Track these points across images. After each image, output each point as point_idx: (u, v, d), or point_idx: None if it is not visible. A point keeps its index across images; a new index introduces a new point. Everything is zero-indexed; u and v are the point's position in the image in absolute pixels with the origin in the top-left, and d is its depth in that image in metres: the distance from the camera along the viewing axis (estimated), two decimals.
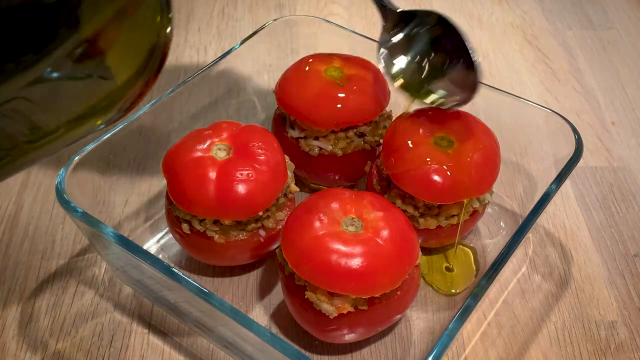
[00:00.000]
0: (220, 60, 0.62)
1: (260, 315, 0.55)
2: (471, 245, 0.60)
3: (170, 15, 0.37)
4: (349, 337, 0.49)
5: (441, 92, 0.54)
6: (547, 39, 0.87)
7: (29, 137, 0.32)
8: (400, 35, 0.56)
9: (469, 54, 0.52)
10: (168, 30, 0.36)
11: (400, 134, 0.55)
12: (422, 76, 0.55)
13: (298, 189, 0.56)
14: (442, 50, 0.54)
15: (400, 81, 0.55)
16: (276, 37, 0.68)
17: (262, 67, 0.71)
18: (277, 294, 0.56)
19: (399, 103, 0.68)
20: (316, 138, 0.59)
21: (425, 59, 0.55)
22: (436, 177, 0.51)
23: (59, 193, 0.49)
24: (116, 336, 0.53)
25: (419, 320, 0.54)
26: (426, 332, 0.53)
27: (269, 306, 0.55)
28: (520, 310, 0.55)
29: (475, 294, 0.44)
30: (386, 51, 0.57)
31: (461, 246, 0.60)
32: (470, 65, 0.52)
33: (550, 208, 0.64)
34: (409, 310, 0.54)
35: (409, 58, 0.56)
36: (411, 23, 0.56)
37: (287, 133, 0.61)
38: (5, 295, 0.55)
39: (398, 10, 0.56)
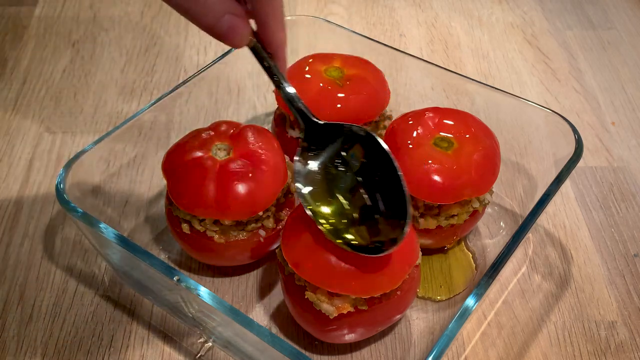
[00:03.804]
0: (220, 60, 0.62)
1: (260, 315, 0.55)
2: (471, 245, 0.60)
3: None
4: (349, 337, 0.49)
5: (365, 236, 0.45)
6: (547, 39, 0.87)
7: None
8: (321, 157, 0.47)
9: (399, 182, 0.44)
10: None
11: (400, 134, 0.55)
12: (346, 216, 0.45)
13: None
14: (369, 179, 0.46)
15: (324, 226, 0.45)
16: None
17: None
18: (277, 294, 0.56)
19: (399, 103, 0.68)
20: None
21: (349, 192, 0.46)
22: (436, 177, 0.51)
23: (59, 193, 0.49)
24: (116, 336, 0.53)
25: (419, 320, 0.54)
26: (426, 332, 0.53)
27: (269, 306, 0.55)
28: (520, 310, 0.55)
29: (475, 294, 0.44)
30: (303, 176, 0.47)
31: (461, 246, 0.60)
32: (400, 196, 0.44)
33: (550, 208, 0.64)
34: (409, 310, 0.54)
35: (330, 191, 0.46)
36: (336, 140, 0.47)
37: (287, 133, 0.61)
38: (5, 295, 0.55)
39: (321, 123, 0.47)
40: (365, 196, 0.46)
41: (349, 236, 0.45)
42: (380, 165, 0.45)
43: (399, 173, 0.44)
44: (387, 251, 0.43)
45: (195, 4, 0.38)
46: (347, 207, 0.46)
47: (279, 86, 0.46)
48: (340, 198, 0.46)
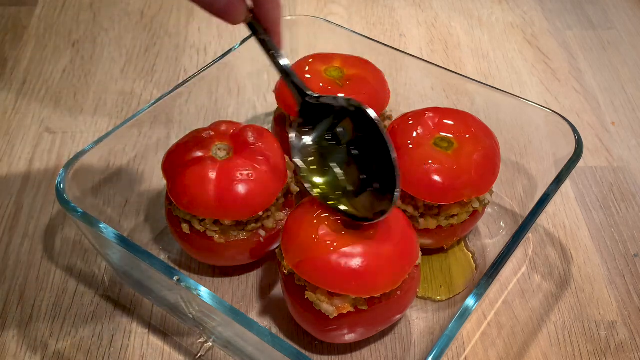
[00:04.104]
0: (220, 60, 0.62)
1: (260, 315, 0.55)
2: (471, 245, 0.60)
3: None
4: (349, 337, 0.49)
5: (358, 207, 0.47)
6: (547, 39, 0.87)
7: None
8: (317, 130, 0.49)
9: (388, 155, 0.44)
10: None
11: (400, 134, 0.55)
12: (338, 185, 0.48)
13: (298, 189, 0.56)
14: (361, 151, 0.47)
15: (317, 191, 0.48)
16: None
17: (262, 67, 0.71)
18: (277, 294, 0.56)
19: (399, 103, 0.68)
20: None
21: (342, 165, 0.48)
22: (436, 177, 0.51)
23: (59, 193, 0.49)
24: (116, 336, 0.53)
25: (419, 320, 0.54)
26: (426, 332, 0.53)
27: (269, 306, 0.55)
28: (520, 310, 0.55)
29: (475, 294, 0.44)
30: (298, 149, 0.49)
31: (461, 247, 0.60)
32: (390, 169, 0.44)
33: (550, 208, 0.64)
34: (409, 310, 0.54)
35: (325, 161, 0.48)
36: (331, 114, 0.48)
37: (287, 133, 0.61)
38: (5, 295, 0.55)
39: (314, 96, 0.48)
40: (358, 169, 0.47)
41: (342, 207, 0.47)
42: (371, 139, 0.46)
43: (389, 145, 0.44)
44: (376, 220, 0.46)
45: None
46: (340, 179, 0.48)
47: (274, 59, 0.47)
48: (334, 171, 0.48)
